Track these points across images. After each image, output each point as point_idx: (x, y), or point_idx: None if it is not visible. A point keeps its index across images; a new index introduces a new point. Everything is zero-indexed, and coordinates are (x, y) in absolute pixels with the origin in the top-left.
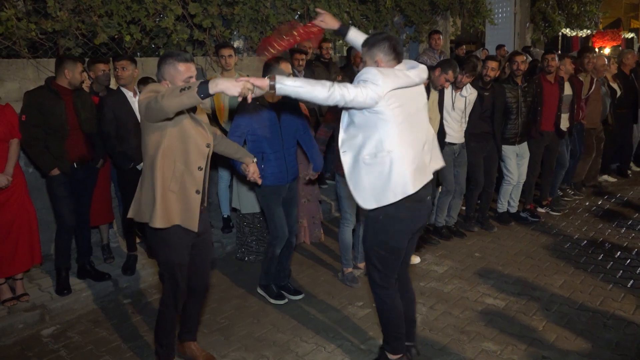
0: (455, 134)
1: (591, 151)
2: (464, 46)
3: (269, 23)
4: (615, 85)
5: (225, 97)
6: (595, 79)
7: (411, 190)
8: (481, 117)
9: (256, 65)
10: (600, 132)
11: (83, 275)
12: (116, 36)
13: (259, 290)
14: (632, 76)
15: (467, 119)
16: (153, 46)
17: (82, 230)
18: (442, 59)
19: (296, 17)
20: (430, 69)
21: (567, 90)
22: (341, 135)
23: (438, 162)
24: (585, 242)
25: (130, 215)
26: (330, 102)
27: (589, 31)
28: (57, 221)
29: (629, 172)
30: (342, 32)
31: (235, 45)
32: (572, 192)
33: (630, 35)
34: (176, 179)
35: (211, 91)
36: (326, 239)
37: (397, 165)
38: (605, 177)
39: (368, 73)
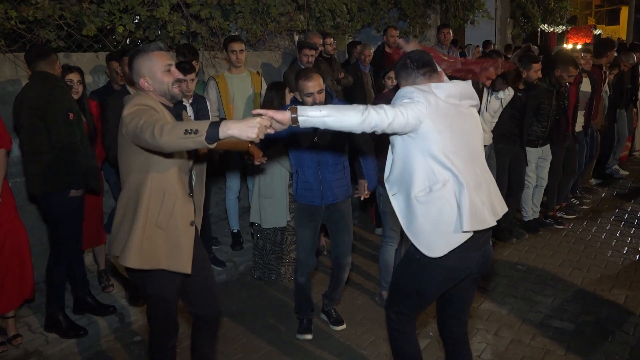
0: (486, 135)
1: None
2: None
3: (270, 14)
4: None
5: (234, 98)
6: (605, 72)
7: (467, 226)
8: (510, 118)
9: (255, 60)
10: (597, 132)
11: (81, 310)
12: (108, 26)
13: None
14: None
15: (496, 119)
16: (143, 40)
17: (78, 256)
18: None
19: (295, 8)
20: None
21: (586, 86)
22: (387, 174)
23: (502, 207)
24: (626, 249)
25: (113, 253)
26: (366, 128)
27: (564, 27)
28: (61, 250)
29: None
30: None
31: None
32: (580, 195)
33: (598, 31)
34: (165, 211)
35: (221, 136)
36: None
37: (457, 196)
38: (591, 180)
39: (404, 92)
